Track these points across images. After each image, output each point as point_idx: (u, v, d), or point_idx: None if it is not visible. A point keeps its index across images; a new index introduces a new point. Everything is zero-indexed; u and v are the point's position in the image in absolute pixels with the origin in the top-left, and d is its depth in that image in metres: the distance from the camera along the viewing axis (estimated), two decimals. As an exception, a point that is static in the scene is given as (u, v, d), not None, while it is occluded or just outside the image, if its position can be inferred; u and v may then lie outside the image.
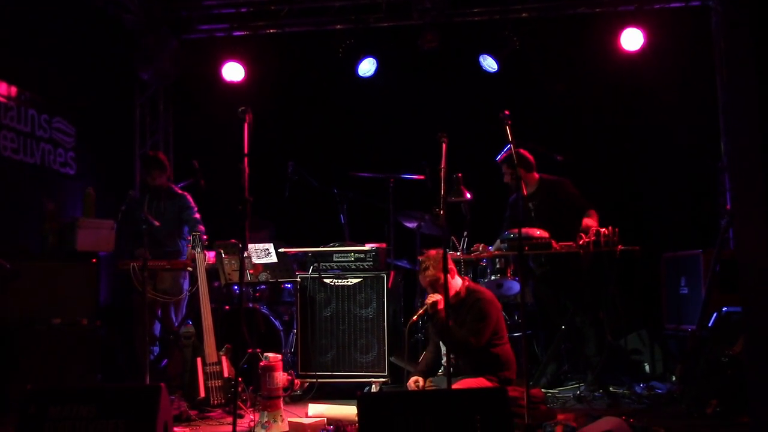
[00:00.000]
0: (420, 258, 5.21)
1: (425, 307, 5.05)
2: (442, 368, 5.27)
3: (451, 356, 4.94)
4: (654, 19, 7.69)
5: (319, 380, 5.89)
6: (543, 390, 5.64)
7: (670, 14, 7.82)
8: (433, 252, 5.13)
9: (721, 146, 7.71)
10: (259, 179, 5.18)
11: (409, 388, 5.01)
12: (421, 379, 5.06)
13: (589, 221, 5.82)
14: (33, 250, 5.69)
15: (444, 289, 4.43)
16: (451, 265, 4.95)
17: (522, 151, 6.16)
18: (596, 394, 5.59)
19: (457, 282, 5.11)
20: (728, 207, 5.61)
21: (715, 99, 7.72)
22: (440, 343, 5.14)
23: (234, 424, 4.15)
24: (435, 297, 5.01)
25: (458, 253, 6.05)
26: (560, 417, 4.77)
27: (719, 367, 4.76)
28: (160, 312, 6.33)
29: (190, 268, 5.95)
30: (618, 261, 5.51)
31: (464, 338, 4.91)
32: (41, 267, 5.43)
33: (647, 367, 6.35)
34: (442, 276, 4.81)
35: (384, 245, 6.21)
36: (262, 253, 6.12)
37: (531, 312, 6.63)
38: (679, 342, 6.48)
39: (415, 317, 5.13)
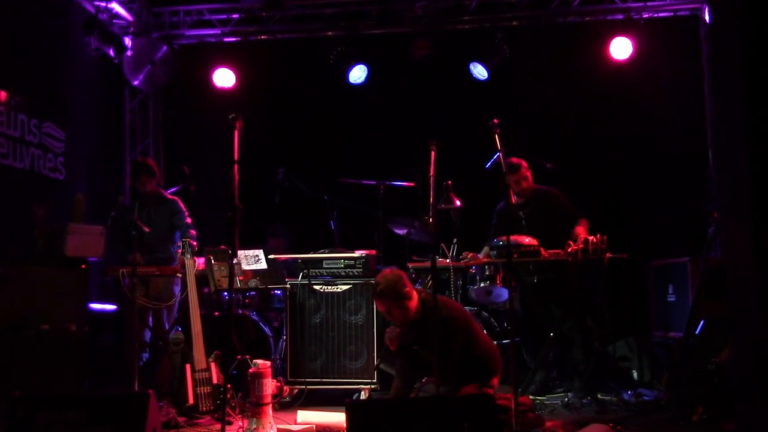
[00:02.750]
0: (376, 281, 5.04)
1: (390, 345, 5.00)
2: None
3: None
4: (643, 29, 7.75)
5: (308, 387, 5.89)
6: (531, 397, 5.66)
7: (659, 24, 7.88)
8: (387, 276, 4.95)
9: (709, 154, 7.77)
10: (250, 185, 5.19)
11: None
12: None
13: (581, 230, 5.84)
14: (22, 256, 5.66)
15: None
16: (408, 286, 4.89)
17: (513, 159, 6.19)
18: (584, 401, 5.60)
19: (414, 302, 4.94)
20: (716, 215, 5.64)
21: (703, 108, 7.79)
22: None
23: (223, 430, 4.16)
24: (389, 335, 4.96)
25: (447, 260, 6.07)
26: (548, 424, 4.78)
27: (706, 375, 4.80)
28: (150, 318, 6.31)
29: (179, 274, 5.94)
30: (606, 269, 5.54)
31: (439, 359, 4.60)
32: (30, 272, 5.41)
33: (635, 374, 6.38)
34: (399, 303, 4.80)
35: (374, 252, 6.22)
36: (252, 260, 6.12)
37: (520, 319, 6.66)
38: (666, 349, 6.51)
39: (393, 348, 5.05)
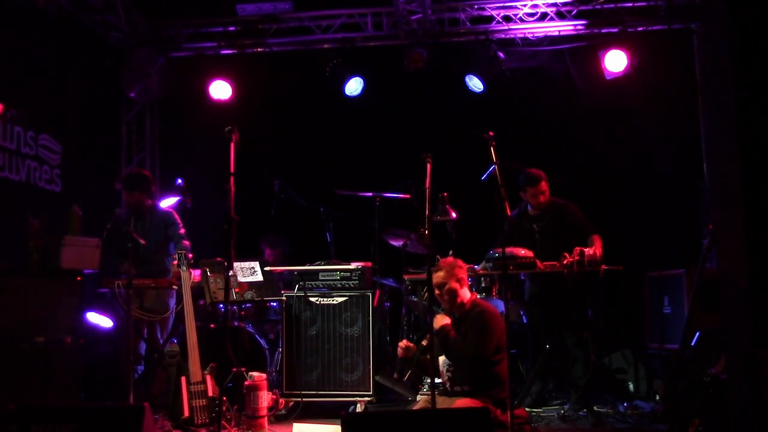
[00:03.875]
0: (438, 262, 5.18)
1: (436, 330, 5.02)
2: (426, 387, 5.27)
3: (448, 374, 4.93)
4: (637, 42, 7.78)
5: (304, 399, 5.88)
6: (527, 409, 5.65)
7: (654, 37, 7.93)
8: (450, 259, 5.17)
9: (704, 166, 7.80)
10: (246, 197, 5.20)
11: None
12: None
13: (590, 249, 5.69)
14: (17, 268, 5.65)
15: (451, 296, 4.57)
16: (463, 275, 5.05)
17: (535, 170, 6.20)
18: (580, 413, 5.60)
19: (465, 294, 5.08)
20: (711, 227, 5.65)
21: (698, 120, 7.82)
22: (440, 358, 5.11)
23: (218, 443, 4.14)
24: (441, 321, 4.99)
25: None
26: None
27: (701, 387, 4.79)
28: (145, 331, 6.30)
29: (175, 287, 5.93)
30: (602, 280, 5.55)
31: (469, 351, 4.86)
32: (25, 284, 5.40)
33: (631, 386, 6.38)
34: (451, 282, 4.86)
35: (370, 264, 6.22)
36: (248, 272, 6.12)
37: (516, 331, 6.66)
38: (662, 361, 6.51)
39: (425, 342, 5.05)
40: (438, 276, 5.04)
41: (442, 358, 5.05)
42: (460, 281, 5.01)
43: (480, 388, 4.88)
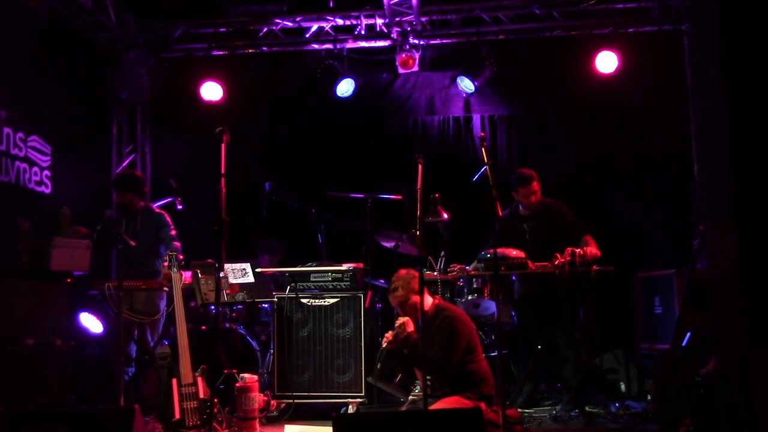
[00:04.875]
0: (392, 278, 5.22)
1: (395, 332, 5.06)
2: (418, 388, 5.28)
3: (428, 377, 4.95)
4: (628, 43, 7.82)
5: (295, 401, 5.86)
6: (519, 410, 5.66)
7: (644, 38, 7.96)
8: (403, 272, 5.18)
9: (695, 167, 7.83)
10: (237, 199, 5.18)
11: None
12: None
13: (589, 249, 5.68)
14: (6, 270, 5.62)
15: (420, 307, 4.47)
16: (418, 284, 4.97)
17: (527, 171, 6.19)
18: (572, 413, 5.60)
19: (427, 301, 5.11)
20: (701, 227, 5.66)
21: (688, 121, 7.85)
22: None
23: (209, 445, 4.12)
24: (402, 320, 5.03)
25: (435, 273, 6.07)
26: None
27: (693, 387, 4.80)
28: (136, 332, 6.27)
29: (165, 288, 5.91)
30: (593, 281, 5.55)
31: (436, 359, 4.91)
32: (14, 286, 5.37)
33: (623, 387, 6.39)
34: (411, 296, 4.87)
35: (361, 265, 6.21)
36: (239, 273, 6.10)
37: (508, 332, 6.67)
38: (653, 361, 6.52)
39: (384, 344, 5.12)
40: (397, 296, 5.11)
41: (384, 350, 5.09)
42: (418, 292, 4.99)
43: (459, 389, 4.93)
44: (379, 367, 5.20)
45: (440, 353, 4.91)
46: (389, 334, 5.10)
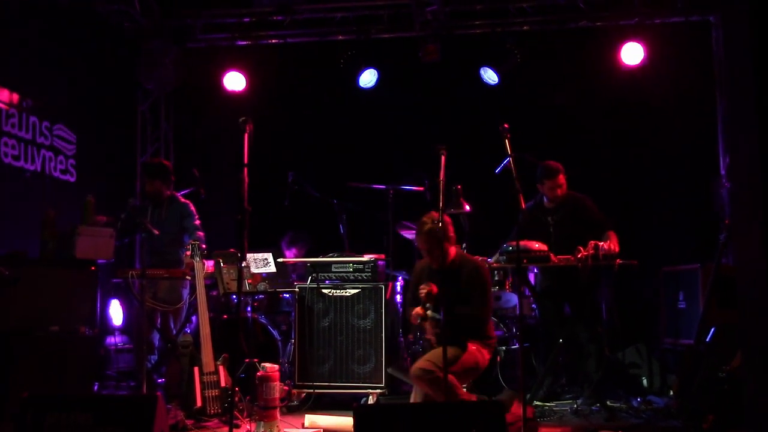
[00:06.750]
0: (423, 219, 5.09)
1: (425, 304, 4.97)
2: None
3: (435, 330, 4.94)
4: (654, 34, 7.72)
5: (316, 391, 5.89)
6: (540, 403, 5.64)
7: (671, 29, 7.86)
8: (435, 214, 4.97)
9: (720, 160, 7.74)
10: (259, 189, 5.19)
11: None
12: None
13: (608, 244, 5.61)
14: (32, 257, 5.69)
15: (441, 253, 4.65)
16: (451, 233, 5.05)
17: (553, 163, 6.15)
18: (593, 408, 5.57)
19: (453, 248, 5.12)
20: (727, 221, 5.59)
21: (715, 113, 7.75)
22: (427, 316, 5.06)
23: (230, 433, 4.15)
24: (425, 288, 4.93)
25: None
26: (557, 431, 4.76)
27: (716, 382, 4.77)
28: (159, 321, 6.32)
29: (188, 277, 5.95)
30: (616, 275, 5.50)
31: (482, 316, 4.93)
32: (40, 274, 5.42)
33: (645, 381, 6.33)
34: (444, 243, 4.90)
35: (383, 256, 6.21)
36: (261, 263, 6.13)
37: (530, 325, 6.64)
38: (676, 356, 6.47)
39: (417, 320, 5.02)
40: (428, 242, 4.99)
41: (429, 314, 4.98)
42: (449, 240, 5.05)
43: (476, 336, 4.97)
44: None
45: (482, 310, 4.93)
46: (419, 310, 5.02)
